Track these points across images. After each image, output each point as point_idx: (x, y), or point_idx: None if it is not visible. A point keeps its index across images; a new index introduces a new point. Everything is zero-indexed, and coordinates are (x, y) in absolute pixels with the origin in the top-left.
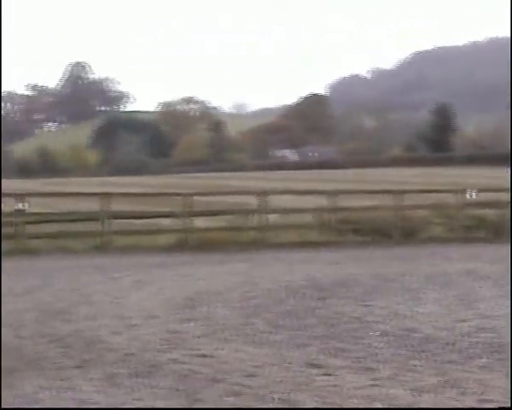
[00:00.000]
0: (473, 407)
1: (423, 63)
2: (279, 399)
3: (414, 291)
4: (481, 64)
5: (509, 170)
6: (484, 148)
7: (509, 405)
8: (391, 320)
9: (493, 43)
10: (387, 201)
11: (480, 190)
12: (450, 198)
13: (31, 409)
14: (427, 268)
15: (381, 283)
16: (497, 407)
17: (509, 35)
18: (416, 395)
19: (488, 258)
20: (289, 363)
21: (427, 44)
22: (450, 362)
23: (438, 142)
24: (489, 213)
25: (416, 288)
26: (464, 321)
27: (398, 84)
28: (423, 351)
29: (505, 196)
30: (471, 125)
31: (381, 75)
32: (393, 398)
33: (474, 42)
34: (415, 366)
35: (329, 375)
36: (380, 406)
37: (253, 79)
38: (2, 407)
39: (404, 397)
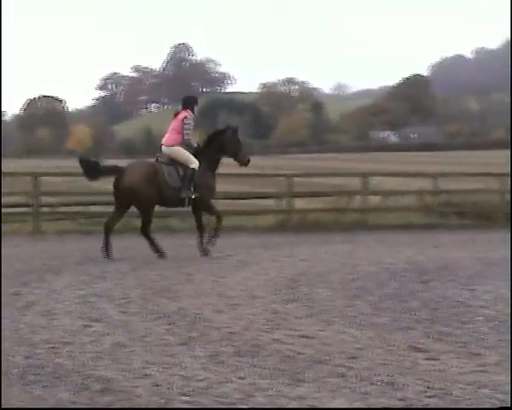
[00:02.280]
0: (473, 407)
1: None
2: (383, 381)
3: None
4: None
5: None
6: None
7: (509, 405)
8: (496, 305)
9: None
10: (491, 184)
11: None
12: None
13: (31, 409)
14: None
15: (485, 267)
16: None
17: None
18: None
19: None
20: (393, 346)
21: None
22: None
23: None
24: None
25: None
26: None
27: (502, 65)
28: None
29: None
30: None
31: (485, 56)
32: (500, 385)
33: None
34: None
35: (434, 359)
36: (487, 391)
37: (355, 60)
38: (3, 407)
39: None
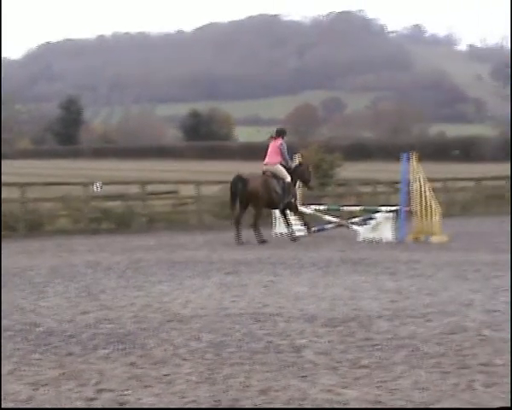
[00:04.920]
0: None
1: (52, 55)
2: None
3: (38, 285)
4: (108, 59)
5: None
6: (110, 141)
7: (509, 405)
8: (13, 315)
9: (119, 39)
10: (13, 193)
11: (106, 183)
12: (76, 191)
13: (31, 409)
14: (52, 261)
15: (4, 277)
16: (494, 407)
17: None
18: (35, 389)
19: (112, 249)
20: None
21: (55, 36)
22: (71, 354)
23: (66, 134)
24: (114, 205)
25: (40, 281)
26: (87, 313)
27: (25, 75)
28: (45, 345)
29: (131, 189)
30: (98, 119)
31: (7, 65)
32: (12, 393)
33: (101, 36)
34: (35, 359)
35: None
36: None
37: None
38: (3, 407)
39: (23, 392)
